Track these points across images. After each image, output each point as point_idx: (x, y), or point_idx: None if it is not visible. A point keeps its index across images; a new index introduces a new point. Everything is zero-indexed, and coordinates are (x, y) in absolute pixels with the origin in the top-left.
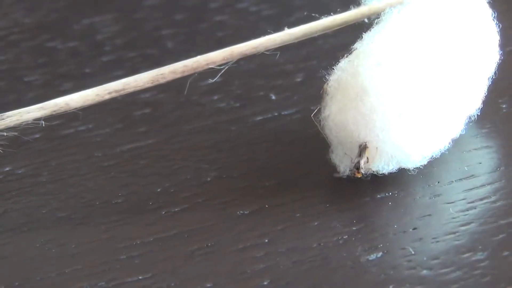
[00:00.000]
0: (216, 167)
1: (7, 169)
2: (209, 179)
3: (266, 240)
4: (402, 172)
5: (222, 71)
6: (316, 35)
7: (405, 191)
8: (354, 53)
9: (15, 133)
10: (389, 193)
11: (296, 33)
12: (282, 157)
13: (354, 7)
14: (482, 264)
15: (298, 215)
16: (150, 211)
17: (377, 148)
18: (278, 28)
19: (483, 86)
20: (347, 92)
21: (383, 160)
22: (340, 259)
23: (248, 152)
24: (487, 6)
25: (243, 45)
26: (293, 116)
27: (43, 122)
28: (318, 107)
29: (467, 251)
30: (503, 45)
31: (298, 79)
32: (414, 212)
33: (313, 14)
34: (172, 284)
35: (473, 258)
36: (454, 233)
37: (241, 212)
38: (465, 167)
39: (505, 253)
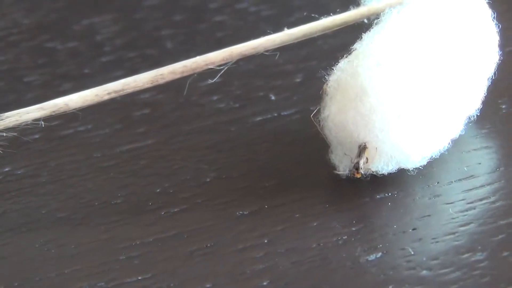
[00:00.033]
0: (215, 168)
1: (7, 169)
2: (208, 179)
3: (266, 241)
4: (401, 173)
5: (222, 72)
6: (315, 35)
7: (405, 192)
8: (353, 53)
9: (15, 134)
10: (388, 194)
11: (295, 34)
12: (281, 158)
13: (353, 7)
14: (482, 264)
15: (297, 215)
16: (149, 212)
17: (376, 148)
18: (277, 29)
19: (483, 86)
20: (347, 93)
21: (382, 161)
22: (340, 259)
23: (248, 152)
24: (486, 6)
25: (243, 45)
26: (293, 117)
27: (42, 122)
28: (317, 108)
29: (467, 251)
30: (503, 45)
31: (298, 80)
32: (413, 212)
33: (313, 15)
34: (172, 285)
35: (473, 259)
36: (453, 233)
37: (241, 212)
38: (465, 168)
39: (505, 254)
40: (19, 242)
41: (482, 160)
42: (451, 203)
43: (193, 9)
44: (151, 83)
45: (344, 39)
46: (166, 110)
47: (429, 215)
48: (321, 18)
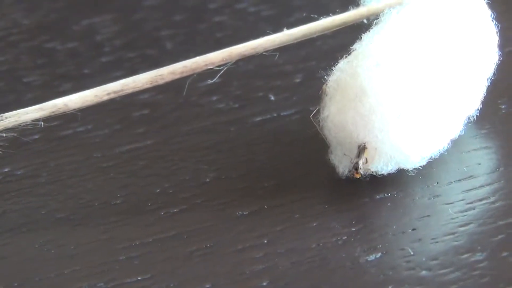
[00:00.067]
0: (215, 168)
1: (6, 170)
2: (208, 180)
3: (265, 241)
4: (401, 173)
5: (221, 72)
6: (315, 36)
7: (404, 192)
8: (353, 54)
9: (14, 134)
10: (388, 194)
11: (295, 34)
12: (281, 158)
13: (353, 8)
14: (481, 264)
15: (297, 215)
16: (149, 212)
17: (376, 148)
18: (277, 29)
19: (482, 86)
20: (346, 93)
21: (382, 161)
22: (339, 259)
23: (247, 152)
24: (486, 6)
25: (242, 45)
26: (292, 117)
27: (42, 123)
28: (317, 108)
29: (466, 251)
30: (502, 45)
31: (297, 80)
32: (413, 212)
33: (312, 15)
34: (171, 285)
35: (472, 259)
36: (453, 233)
37: (240, 213)
38: (464, 168)
39: (504, 254)
40: (19, 242)
41: (482, 160)
42: (451, 203)
43: (192, 9)
44: (151, 83)
45: (344, 40)
46: (165, 110)
47: (428, 216)
48: (321, 19)
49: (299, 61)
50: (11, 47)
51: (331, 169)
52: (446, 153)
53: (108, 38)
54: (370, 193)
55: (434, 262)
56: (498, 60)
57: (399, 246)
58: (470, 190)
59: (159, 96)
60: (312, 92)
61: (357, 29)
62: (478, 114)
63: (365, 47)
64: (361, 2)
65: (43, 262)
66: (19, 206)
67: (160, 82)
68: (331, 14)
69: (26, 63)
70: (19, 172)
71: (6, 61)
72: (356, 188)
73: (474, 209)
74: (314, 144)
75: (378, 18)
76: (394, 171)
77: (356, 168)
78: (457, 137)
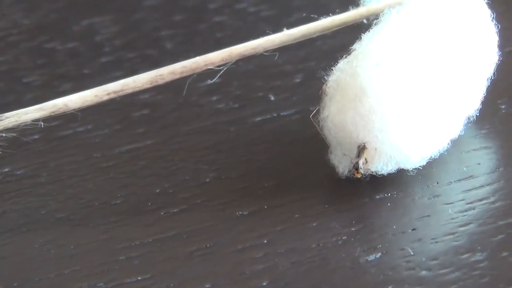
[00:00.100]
0: (215, 168)
1: (6, 170)
2: (208, 180)
3: (265, 241)
4: (401, 173)
5: (221, 72)
6: (315, 36)
7: (404, 192)
8: (353, 54)
9: (14, 134)
10: (388, 194)
11: (295, 34)
12: (281, 158)
13: (353, 8)
14: (481, 264)
15: (297, 216)
16: (149, 212)
17: (376, 148)
18: (277, 29)
19: (482, 86)
20: (346, 93)
21: (382, 161)
22: (339, 259)
23: (247, 153)
24: (486, 6)
25: (242, 46)
26: (292, 117)
27: (42, 123)
28: (317, 108)
29: (466, 251)
30: (502, 45)
31: (297, 80)
32: (413, 212)
33: (312, 15)
34: (171, 285)
35: (472, 259)
36: (453, 233)
37: (240, 213)
38: (464, 168)
39: (504, 254)
40: (19, 242)
41: (482, 160)
42: (451, 203)
43: (192, 9)
44: (151, 83)
45: (344, 40)
46: (165, 110)
47: (428, 216)
48: (321, 19)
49: (299, 61)
50: (11, 47)
51: (331, 169)
52: (446, 153)
53: (108, 38)
54: (370, 193)
55: (434, 262)
56: (498, 60)
57: (399, 246)
58: (470, 190)
59: (159, 96)
60: (312, 92)
61: (357, 29)
62: (478, 114)
63: (365, 47)
64: (361, 2)
65: (43, 262)
66: (19, 206)
67: (160, 82)
68: (330, 14)
69: (26, 63)
70: (19, 172)
71: (6, 61)
72: (356, 188)
73: (474, 209)
74: (314, 144)
75: (378, 18)
76: (394, 171)
77: (356, 168)
78: (457, 137)
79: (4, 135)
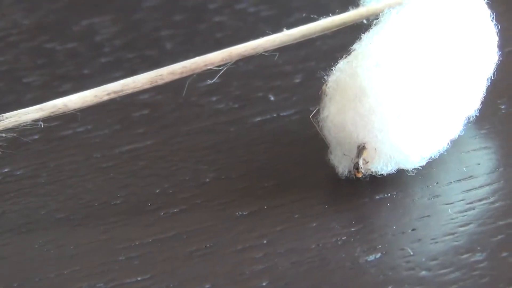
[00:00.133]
0: (214, 168)
1: (6, 170)
2: (207, 180)
3: (265, 241)
4: (400, 173)
5: (221, 72)
6: (314, 36)
7: (404, 192)
8: (352, 54)
9: (14, 134)
10: (387, 194)
11: (294, 34)
12: (280, 158)
13: (352, 8)
14: (481, 265)
15: (296, 216)
16: (148, 212)
17: (376, 149)
18: (277, 29)
19: (482, 87)
20: (346, 93)
21: (381, 161)
22: (339, 260)
23: (247, 153)
24: (485, 7)
25: (242, 46)
26: (292, 117)
27: (41, 123)
28: (317, 108)
29: (466, 252)
30: (502, 46)
31: (297, 80)
32: (413, 213)
33: (312, 15)
34: (171, 285)
35: (472, 259)
36: (453, 234)
37: (240, 213)
38: (464, 168)
39: (504, 254)
40: (19, 242)
41: (481, 160)
42: (451, 203)
43: (192, 9)
44: (150, 83)
45: (343, 40)
46: (165, 110)
47: (428, 216)
48: (320, 19)
49: (298, 62)
50: (11, 47)
51: (331, 169)
52: (445, 153)
53: (107, 39)
54: (369, 194)
55: (434, 262)
56: (498, 60)
57: (399, 246)
58: (469, 190)
59: (159, 96)
60: (312, 93)
61: (357, 30)
62: (477, 114)
63: (365, 47)
64: (361, 2)
65: (43, 262)
66: (19, 206)
67: (160, 82)
68: (330, 15)
69: (26, 64)
70: (18, 173)
71: (6, 61)
72: (355, 189)
73: (473, 209)
74: (313, 144)
75: (377, 19)
76: (393, 171)
77: (357, 167)
78: (456, 137)
79: (4, 135)
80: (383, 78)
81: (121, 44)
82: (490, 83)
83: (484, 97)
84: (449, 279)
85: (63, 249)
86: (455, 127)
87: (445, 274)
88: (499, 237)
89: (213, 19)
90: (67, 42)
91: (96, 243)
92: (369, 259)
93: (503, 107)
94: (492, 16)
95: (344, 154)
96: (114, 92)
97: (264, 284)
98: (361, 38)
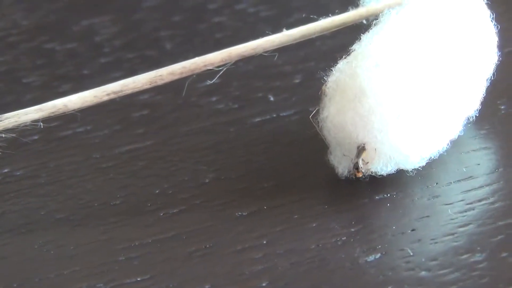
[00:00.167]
0: (214, 169)
1: (6, 170)
2: (207, 180)
3: (265, 242)
4: (400, 173)
5: (221, 73)
6: (314, 36)
7: (404, 192)
8: (352, 54)
9: (13, 135)
10: (387, 195)
11: (294, 35)
12: (280, 159)
13: (352, 8)
14: (481, 265)
15: (296, 216)
16: (148, 213)
17: (375, 149)
18: (276, 30)
19: (482, 87)
20: (346, 94)
21: (381, 161)
22: (339, 260)
23: (246, 153)
24: (485, 7)
25: (242, 46)
26: (292, 118)
27: (41, 123)
28: (316, 109)
29: (466, 252)
30: (502, 46)
31: (297, 81)
32: (412, 213)
33: (312, 16)
34: (171, 286)
35: (472, 259)
36: (452, 234)
37: (239, 213)
38: (464, 168)
39: (504, 254)
40: (18, 243)
41: (481, 161)
42: (450, 204)
43: (192, 10)
44: (150, 84)
45: (343, 40)
46: (165, 111)
47: (428, 216)
48: (320, 19)
49: (298, 62)
50: (10, 47)
51: (331, 169)
52: (445, 153)
53: (107, 39)
54: (369, 194)
55: (434, 262)
56: (498, 60)
57: (399, 247)
58: (469, 190)
59: (159, 96)
60: (312, 93)
61: (357, 30)
62: (477, 115)
63: (365, 47)
64: (360, 2)
65: (43, 262)
66: (19, 206)
67: (160, 82)
68: (330, 15)
69: (26, 64)
70: (18, 173)
71: (5, 61)
72: (355, 189)
73: (473, 209)
74: (313, 144)
75: (377, 19)
76: (393, 172)
77: (357, 167)
78: (456, 137)
79: (3, 135)
80: (383, 79)
81: (121, 44)
82: (490, 83)
83: (484, 97)
84: (448, 279)
85: (63, 249)
86: (454, 128)
87: (444, 274)
88: (499, 237)
89: (213, 19)
90: (67, 42)
91: (96, 244)
92: (368, 260)
93: (502, 107)
94: (492, 16)
95: (344, 155)
96: (114, 92)
97: (263, 284)
98: (360, 38)
